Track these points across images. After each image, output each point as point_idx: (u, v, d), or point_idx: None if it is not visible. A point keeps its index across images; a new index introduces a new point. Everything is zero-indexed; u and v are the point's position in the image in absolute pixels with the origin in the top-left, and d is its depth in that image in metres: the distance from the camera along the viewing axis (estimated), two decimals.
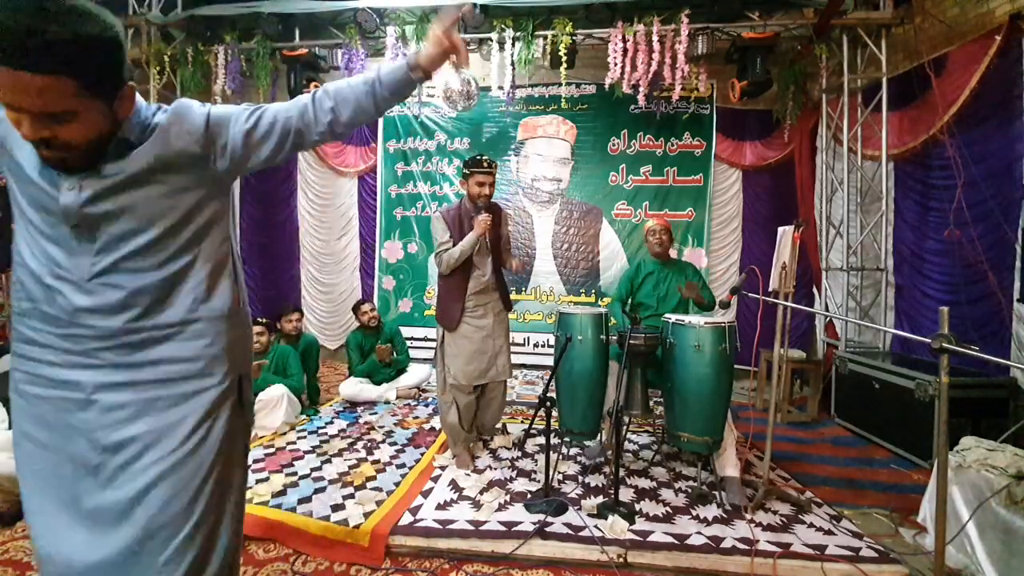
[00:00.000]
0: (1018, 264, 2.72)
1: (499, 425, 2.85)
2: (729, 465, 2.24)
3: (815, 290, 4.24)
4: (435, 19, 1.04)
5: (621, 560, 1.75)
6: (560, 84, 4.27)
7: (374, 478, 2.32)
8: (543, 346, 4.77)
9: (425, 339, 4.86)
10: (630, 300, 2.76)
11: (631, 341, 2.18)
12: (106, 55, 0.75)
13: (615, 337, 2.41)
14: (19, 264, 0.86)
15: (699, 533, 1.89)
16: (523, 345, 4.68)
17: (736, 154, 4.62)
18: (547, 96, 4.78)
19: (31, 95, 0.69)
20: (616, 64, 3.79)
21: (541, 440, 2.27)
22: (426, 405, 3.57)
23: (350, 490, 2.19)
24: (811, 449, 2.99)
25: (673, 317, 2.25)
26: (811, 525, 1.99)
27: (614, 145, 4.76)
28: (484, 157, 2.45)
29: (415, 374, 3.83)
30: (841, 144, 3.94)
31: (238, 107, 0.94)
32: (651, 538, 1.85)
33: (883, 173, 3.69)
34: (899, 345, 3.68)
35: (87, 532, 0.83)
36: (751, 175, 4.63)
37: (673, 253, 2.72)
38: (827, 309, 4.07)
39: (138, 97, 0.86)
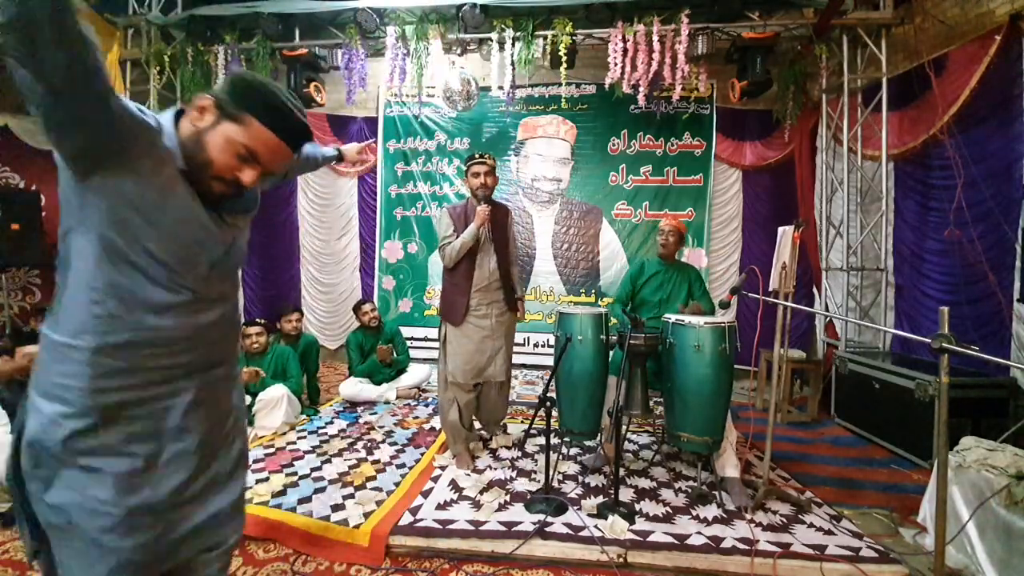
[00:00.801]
0: (1018, 264, 2.71)
1: (501, 424, 2.85)
2: (729, 465, 2.24)
3: (815, 290, 4.24)
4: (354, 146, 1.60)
5: (621, 560, 1.75)
6: (560, 84, 4.27)
7: (374, 478, 2.33)
8: (543, 346, 4.77)
9: (425, 339, 4.86)
10: (632, 300, 2.75)
11: (631, 341, 2.18)
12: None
13: (615, 337, 2.41)
14: (128, 306, 0.80)
15: (699, 533, 1.89)
16: (523, 345, 4.67)
17: (736, 154, 4.62)
18: (547, 96, 4.78)
19: (283, 163, 0.90)
20: (616, 64, 3.79)
21: (541, 440, 2.28)
22: (426, 405, 3.57)
23: (350, 490, 2.19)
24: (811, 449, 2.99)
25: (673, 317, 2.25)
26: (811, 525, 1.99)
27: (614, 145, 4.76)
28: (478, 152, 2.53)
29: (415, 374, 3.83)
30: (841, 144, 3.93)
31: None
32: (651, 538, 1.85)
33: (883, 173, 3.68)
34: (899, 345, 3.68)
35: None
36: (751, 175, 4.63)
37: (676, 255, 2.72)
38: (827, 309, 4.07)
39: None
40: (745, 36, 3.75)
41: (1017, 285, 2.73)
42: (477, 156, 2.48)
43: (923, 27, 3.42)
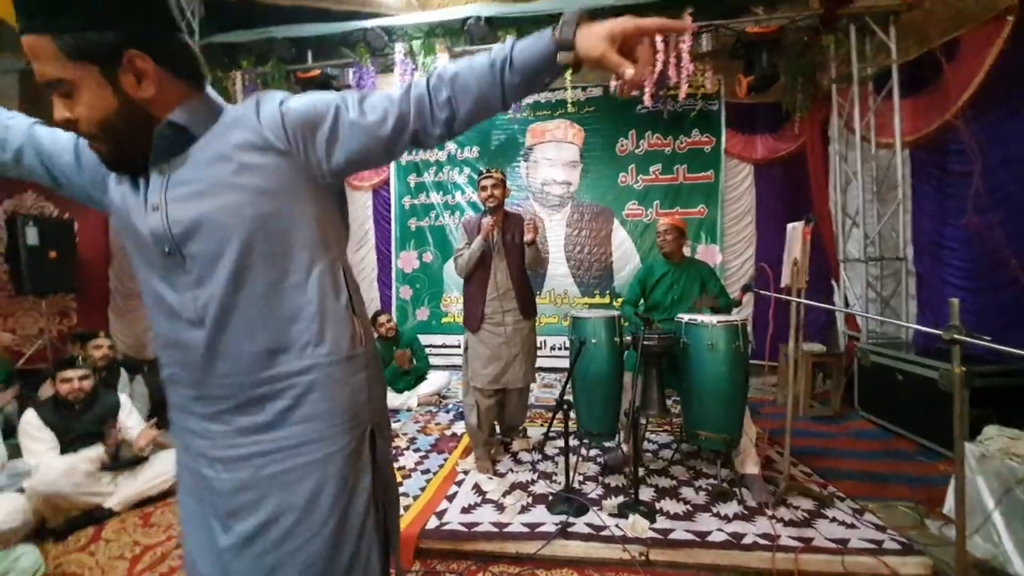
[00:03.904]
0: None
1: (521, 428, 2.91)
2: (749, 462, 2.25)
3: (834, 282, 4.20)
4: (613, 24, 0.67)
5: (643, 558, 1.79)
6: (566, 88, 4.32)
7: (400, 484, 2.41)
8: (559, 349, 4.81)
9: (444, 346, 4.95)
10: (643, 302, 2.78)
11: (645, 342, 2.21)
12: (94, 5, 0.61)
13: (629, 339, 2.45)
14: (154, 329, 0.79)
15: (720, 530, 1.92)
16: (540, 348, 4.72)
17: (747, 148, 4.59)
18: (553, 101, 4.83)
19: (34, 60, 0.62)
20: None
21: (560, 443, 2.32)
22: (447, 411, 3.65)
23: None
24: (834, 444, 2.97)
25: (686, 317, 2.28)
26: (833, 519, 2.00)
27: (622, 146, 4.78)
28: (485, 167, 2.61)
29: (435, 381, 3.92)
30: (854, 133, 3.89)
31: (331, 94, 0.75)
32: (672, 536, 1.88)
33: (898, 161, 3.63)
34: (921, 335, 3.62)
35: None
36: (763, 169, 4.60)
37: (687, 251, 2.72)
38: (847, 301, 4.02)
39: (211, 93, 0.75)
40: (749, 31, 3.74)
41: None
42: (484, 171, 2.60)
43: (933, 11, 3.38)
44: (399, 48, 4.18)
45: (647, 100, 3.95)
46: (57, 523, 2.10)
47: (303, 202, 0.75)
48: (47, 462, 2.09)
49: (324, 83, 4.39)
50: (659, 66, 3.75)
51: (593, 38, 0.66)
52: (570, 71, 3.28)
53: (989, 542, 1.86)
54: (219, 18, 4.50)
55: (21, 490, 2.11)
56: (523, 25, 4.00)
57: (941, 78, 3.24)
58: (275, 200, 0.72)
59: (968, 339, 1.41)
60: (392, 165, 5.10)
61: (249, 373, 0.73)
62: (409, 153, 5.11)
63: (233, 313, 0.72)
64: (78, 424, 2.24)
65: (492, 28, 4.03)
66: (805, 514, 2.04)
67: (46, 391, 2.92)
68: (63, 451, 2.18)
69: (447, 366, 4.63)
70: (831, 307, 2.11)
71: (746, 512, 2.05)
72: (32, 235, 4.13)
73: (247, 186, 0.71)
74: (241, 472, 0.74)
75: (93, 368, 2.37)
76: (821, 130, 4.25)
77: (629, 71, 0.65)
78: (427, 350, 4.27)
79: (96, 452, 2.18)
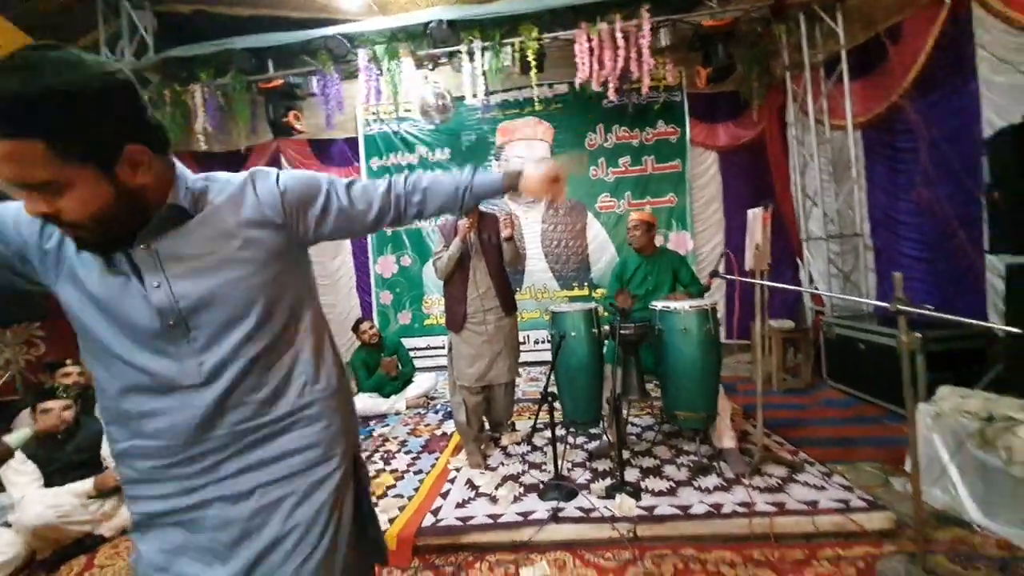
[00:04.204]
0: (985, 216, 2.85)
1: (509, 423, 2.98)
2: (726, 437, 2.37)
3: (799, 261, 4.39)
4: (550, 163, 1.02)
5: (631, 535, 1.88)
6: (532, 87, 4.38)
7: (394, 486, 2.46)
8: (542, 343, 4.90)
9: (428, 348, 4.99)
10: None
11: (622, 332, 2.30)
12: (89, 109, 0.62)
13: (607, 328, 2.54)
14: (105, 406, 0.79)
15: (701, 502, 2.03)
16: (524, 343, 4.79)
17: (710, 137, 4.74)
18: (521, 99, 4.89)
19: (4, 163, 0.60)
20: (583, 64, 3.91)
21: (548, 434, 2.41)
22: (435, 412, 3.70)
23: (373, 500, 2.30)
24: (805, 414, 3.13)
25: (660, 304, 2.38)
26: (805, 483, 2.13)
27: (591, 140, 4.88)
28: None
29: (421, 384, 3.96)
30: (808, 117, 4.07)
31: (320, 175, 0.89)
32: (657, 512, 1.99)
33: (850, 142, 3.82)
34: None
35: None
36: (727, 156, 4.76)
37: (659, 241, 2.82)
38: (811, 277, 4.21)
39: (179, 165, 0.78)
40: (705, 24, 3.87)
41: (986, 238, 2.87)
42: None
43: None
44: (362, 54, 4.17)
45: (611, 94, 4.04)
46: (46, 555, 2.08)
47: (293, 262, 0.86)
48: (31, 495, 2.06)
49: (287, 92, 4.35)
50: (620, 62, 3.85)
51: (532, 184, 1.00)
52: (535, 71, 3.31)
53: (947, 494, 2.01)
54: (174, 32, 4.42)
55: (7, 524, 2.09)
56: (486, 27, 4.03)
57: (887, 61, 3.41)
58: (275, 265, 0.82)
59: (911, 309, 1.54)
60: (363, 169, 5.09)
61: (254, 419, 0.79)
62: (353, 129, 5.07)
63: (245, 369, 0.78)
64: (61, 454, 2.21)
65: (455, 31, 4.05)
66: (778, 481, 2.17)
67: (23, 422, 2.85)
68: (47, 483, 2.15)
69: (432, 367, 4.67)
70: (790, 287, 2.25)
71: (725, 484, 2.17)
72: None
73: (251, 259, 0.79)
74: (246, 504, 0.78)
75: (74, 396, 2.33)
76: (778, 116, 4.42)
77: (559, 198, 1.06)
78: (412, 353, 4.30)
79: (83, 487, 2.14)
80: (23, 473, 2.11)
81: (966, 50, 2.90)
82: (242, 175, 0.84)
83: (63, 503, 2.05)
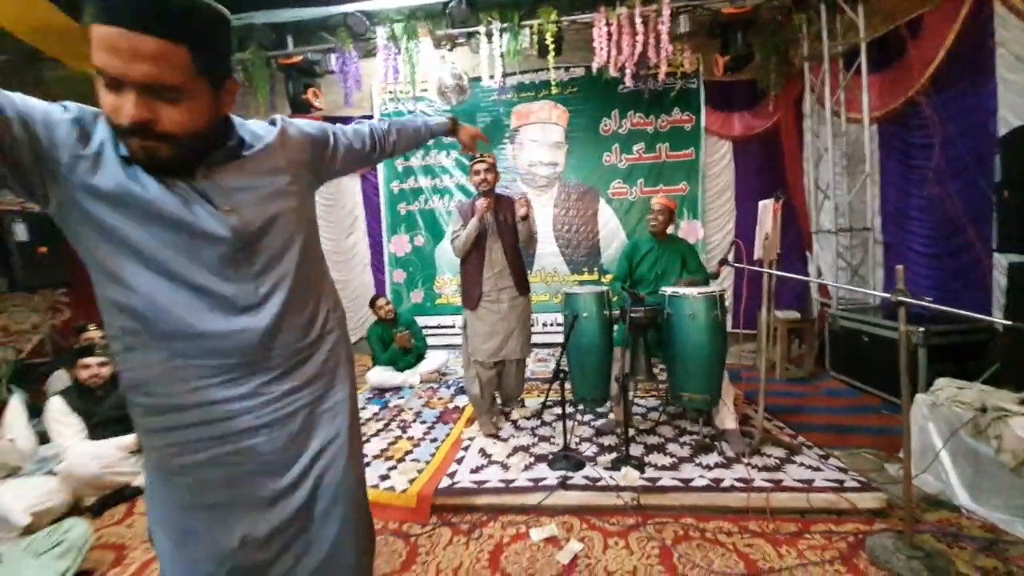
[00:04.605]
0: (994, 215, 2.89)
1: (519, 399, 3.11)
2: (728, 419, 2.48)
3: (808, 253, 4.43)
4: (473, 129, 1.44)
5: (635, 503, 2.01)
6: (549, 69, 4.39)
7: (411, 452, 2.60)
8: (551, 325, 5.00)
9: (439, 327, 5.11)
10: (631, 277, 2.95)
11: (632, 315, 2.39)
12: (222, 32, 0.73)
13: (618, 312, 2.63)
14: (140, 326, 0.76)
15: (702, 477, 2.15)
16: (533, 325, 4.89)
17: (725, 125, 4.74)
18: (537, 82, 4.90)
19: (144, 61, 0.64)
20: (601, 49, 3.92)
21: (557, 411, 2.52)
22: (448, 387, 3.84)
23: (392, 463, 2.46)
24: (806, 401, 3.23)
25: (669, 290, 2.46)
26: (801, 464, 2.24)
27: (606, 125, 4.89)
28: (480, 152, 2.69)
29: (434, 360, 4.09)
30: (825, 109, 4.07)
31: (323, 124, 1.06)
32: (660, 483, 2.10)
33: (865, 136, 3.83)
34: (888, 300, 3.87)
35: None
36: (741, 145, 4.76)
37: (670, 228, 2.88)
38: (819, 270, 4.26)
39: None
40: (725, 12, 3.85)
41: (995, 236, 2.91)
42: (478, 156, 2.67)
43: None
44: (381, 32, 4.20)
45: (628, 80, 4.05)
46: (91, 502, 2.24)
47: (313, 201, 1.01)
48: (78, 447, 2.22)
49: (306, 69, 4.39)
50: (638, 48, 3.86)
51: (463, 134, 1.43)
52: (553, 54, 3.34)
53: (939, 480, 2.12)
54: None
55: (51, 473, 2.25)
56: (505, 8, 4.04)
57: (906, 55, 3.41)
58: (310, 201, 0.98)
59: (911, 300, 1.62)
60: None
61: (296, 342, 0.89)
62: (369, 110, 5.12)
63: (294, 293, 0.88)
64: (100, 409, 2.36)
65: (474, 11, 4.06)
66: (777, 460, 2.27)
67: (57, 381, 3.02)
68: (89, 436, 2.31)
69: (443, 346, 4.80)
70: (797, 276, 2.32)
71: (725, 461, 2.28)
72: (21, 231, 4.12)
73: (297, 192, 0.92)
74: (292, 425, 0.88)
75: (111, 354, 2.48)
76: (794, 107, 4.42)
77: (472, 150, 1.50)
78: (423, 331, 4.42)
79: (128, 441, 2.31)
80: (68, 425, 2.26)
81: (985, 47, 2.90)
82: (272, 124, 0.94)
83: (108, 455, 2.21)
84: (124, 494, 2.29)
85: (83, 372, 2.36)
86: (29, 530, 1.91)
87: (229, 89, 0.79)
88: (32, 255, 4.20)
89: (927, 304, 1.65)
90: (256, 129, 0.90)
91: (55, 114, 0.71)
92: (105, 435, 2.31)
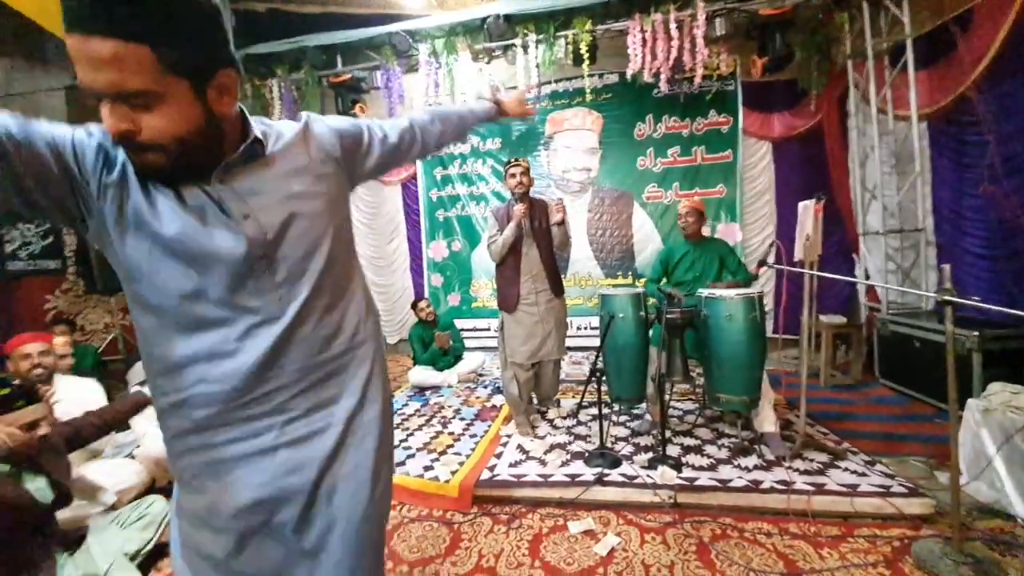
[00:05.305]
0: None
1: (555, 399, 3.17)
2: (767, 422, 2.45)
3: (854, 256, 4.29)
4: (516, 93, 1.31)
5: (672, 501, 2.03)
6: (583, 77, 4.47)
7: (452, 446, 2.72)
8: (585, 328, 5.04)
9: (474, 329, 5.24)
10: (666, 280, 2.97)
11: (668, 315, 2.42)
12: (196, 21, 0.63)
13: (654, 315, 2.66)
14: (157, 356, 0.74)
15: (740, 478, 2.15)
16: (567, 329, 4.95)
17: (764, 127, 4.67)
18: (571, 90, 4.99)
19: (104, 67, 0.58)
20: (636, 55, 3.96)
21: (592, 411, 2.58)
22: (485, 387, 3.95)
23: (435, 455, 2.59)
24: (854, 408, 3.13)
25: (706, 292, 2.47)
26: (846, 469, 2.20)
27: (640, 130, 4.92)
28: (513, 156, 2.80)
29: (471, 361, 4.21)
30: (870, 107, 3.95)
31: (357, 119, 0.96)
32: (697, 483, 2.12)
33: (914, 134, 3.70)
34: (940, 303, 3.71)
35: None
36: (781, 146, 4.68)
37: (706, 231, 2.88)
38: (867, 273, 4.12)
39: (244, 110, 0.79)
40: (763, 13, 3.82)
41: None
42: (512, 160, 2.80)
43: None
44: (423, 49, 4.40)
45: (663, 85, 4.08)
46: (164, 483, 2.46)
47: (346, 201, 0.93)
48: (153, 432, 2.45)
49: (354, 86, 4.65)
50: (673, 53, 3.88)
51: (511, 105, 1.26)
52: (587, 62, 3.43)
53: (992, 488, 2.03)
54: (251, 29, 4.80)
55: (132, 456, 2.49)
56: (540, 21, 4.16)
57: (955, 50, 3.29)
58: (337, 202, 0.87)
59: (958, 300, 1.60)
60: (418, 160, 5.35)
61: (319, 354, 0.80)
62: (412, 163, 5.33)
63: (316, 303, 0.80)
64: None
65: (511, 25, 4.20)
66: (819, 465, 2.24)
67: (137, 374, 3.31)
68: None
69: (478, 348, 4.92)
70: (839, 277, 2.28)
71: (764, 464, 2.27)
72: None
73: (323, 193, 0.84)
74: (323, 441, 0.80)
75: None
76: (838, 105, 4.31)
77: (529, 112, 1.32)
78: (460, 333, 4.56)
79: None
80: (144, 413, 2.50)
81: None
82: (297, 121, 0.87)
83: None
84: None
85: None
86: (112, 507, 2.13)
87: (222, 84, 0.68)
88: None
89: (977, 304, 1.62)
90: (281, 127, 0.83)
91: (82, 141, 0.69)
92: None
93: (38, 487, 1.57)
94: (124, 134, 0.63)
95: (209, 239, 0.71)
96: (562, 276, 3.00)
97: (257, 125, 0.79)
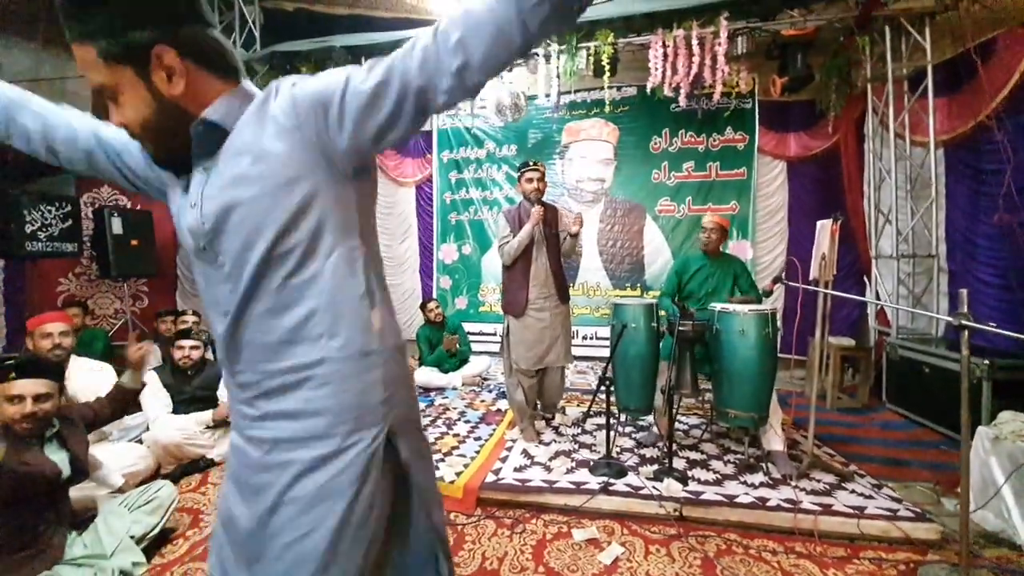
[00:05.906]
0: None
1: (559, 406, 3.17)
2: (775, 440, 2.45)
3: (866, 279, 4.28)
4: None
5: (677, 514, 2.03)
6: (602, 88, 4.50)
7: (457, 447, 2.72)
8: (591, 338, 5.04)
9: (480, 333, 5.25)
10: (679, 293, 2.97)
11: (680, 328, 2.43)
12: (119, 7, 0.62)
13: (666, 327, 2.66)
14: None
15: (747, 494, 2.14)
16: (574, 337, 4.95)
17: (780, 146, 4.69)
18: (589, 100, 5.04)
19: (84, 69, 0.65)
20: (657, 69, 4.00)
21: (597, 420, 2.57)
22: (489, 391, 3.96)
23: (439, 456, 2.59)
24: (859, 432, 3.11)
25: (719, 306, 2.48)
26: (853, 491, 2.18)
27: (655, 143, 4.95)
28: (531, 160, 2.85)
29: (477, 364, 4.23)
30: (888, 131, 3.97)
31: (345, 69, 0.70)
32: (703, 497, 2.11)
33: (932, 160, 3.70)
34: (951, 330, 3.69)
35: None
36: (796, 166, 4.69)
37: (721, 247, 2.89)
38: (877, 296, 4.11)
39: (250, 90, 0.74)
40: (785, 34, 3.86)
41: None
42: (531, 164, 2.81)
43: (968, 12, 3.43)
44: None
45: (682, 100, 4.11)
46: (169, 470, 2.48)
47: (323, 187, 0.71)
48: (164, 419, 2.48)
49: None
50: (694, 69, 3.91)
51: None
52: (608, 74, 3.45)
53: (1000, 517, 2.02)
54: (278, 27, 4.89)
55: (139, 440, 2.51)
56: (563, 32, 4.20)
57: (976, 78, 3.30)
58: (297, 189, 0.69)
59: (974, 325, 1.60)
60: (435, 163, 5.40)
61: (268, 363, 0.73)
62: (427, 123, 5.34)
63: (252, 305, 0.72)
64: (188, 387, 2.63)
65: None
66: (826, 486, 2.23)
67: (151, 359, 3.35)
68: (174, 410, 2.57)
69: (483, 352, 4.92)
70: (853, 296, 2.28)
71: (771, 482, 2.26)
72: (117, 225, 4.61)
73: (264, 175, 0.68)
74: (261, 453, 0.73)
75: (205, 340, 2.76)
76: (855, 128, 4.32)
77: None
78: (468, 337, 4.57)
79: (206, 417, 2.56)
80: (158, 399, 2.53)
81: None
82: (269, 86, 0.74)
83: (189, 428, 2.45)
84: (200, 464, 2.52)
85: (177, 352, 2.64)
86: (120, 490, 2.15)
87: (167, 66, 0.65)
88: (125, 247, 4.69)
89: (994, 330, 1.62)
90: (256, 99, 0.74)
91: (131, 141, 0.77)
92: (188, 411, 2.57)
93: (60, 459, 1.60)
94: (123, 127, 0.69)
95: (180, 229, 0.77)
96: (569, 284, 3.02)
97: (241, 98, 0.72)
